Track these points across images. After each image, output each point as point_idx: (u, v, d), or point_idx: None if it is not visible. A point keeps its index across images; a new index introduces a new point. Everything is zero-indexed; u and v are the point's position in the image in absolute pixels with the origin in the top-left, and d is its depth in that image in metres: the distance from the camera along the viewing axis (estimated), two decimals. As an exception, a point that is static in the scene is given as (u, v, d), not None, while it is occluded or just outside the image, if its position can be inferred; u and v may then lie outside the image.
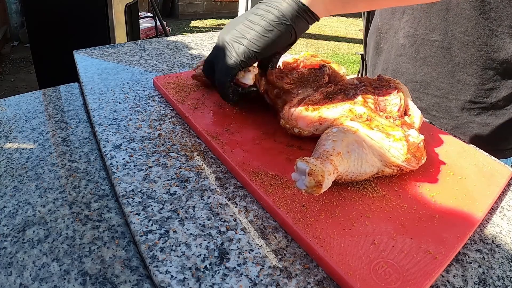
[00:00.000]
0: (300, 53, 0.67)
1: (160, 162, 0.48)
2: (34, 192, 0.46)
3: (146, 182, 0.44)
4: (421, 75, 0.71)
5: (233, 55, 0.47)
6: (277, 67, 0.63)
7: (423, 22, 0.67)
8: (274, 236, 0.38)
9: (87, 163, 0.51)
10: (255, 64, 0.53)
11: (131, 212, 0.40)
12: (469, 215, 0.41)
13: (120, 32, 1.86)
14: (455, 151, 0.53)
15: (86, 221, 0.42)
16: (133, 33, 2.11)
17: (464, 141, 0.56)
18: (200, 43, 0.98)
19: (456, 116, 0.69)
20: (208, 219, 0.40)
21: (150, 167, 0.47)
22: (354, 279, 0.32)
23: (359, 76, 0.58)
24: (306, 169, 0.36)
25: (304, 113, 0.50)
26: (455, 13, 0.63)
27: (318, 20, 0.45)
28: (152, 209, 0.40)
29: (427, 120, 0.65)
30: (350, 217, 0.39)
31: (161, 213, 0.40)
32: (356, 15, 6.55)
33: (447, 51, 0.66)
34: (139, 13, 2.53)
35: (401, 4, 0.59)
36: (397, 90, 0.53)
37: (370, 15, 1.94)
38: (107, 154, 0.49)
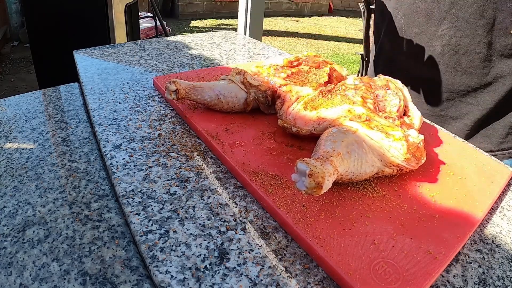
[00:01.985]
0: (302, 53, 0.67)
1: (160, 162, 0.48)
2: (34, 192, 0.46)
3: (146, 182, 0.44)
4: (459, 85, 0.71)
5: None
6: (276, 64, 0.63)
7: (468, 33, 0.66)
8: (274, 236, 0.38)
9: (87, 163, 0.51)
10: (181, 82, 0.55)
11: (131, 212, 0.40)
12: (469, 215, 0.41)
13: (120, 32, 1.86)
14: (455, 151, 0.53)
15: (86, 221, 0.42)
16: (133, 33, 2.11)
17: (490, 147, 0.57)
18: (200, 43, 0.98)
19: (489, 124, 0.71)
20: (208, 219, 0.40)
21: (150, 167, 0.47)
22: (354, 279, 0.32)
23: (359, 76, 0.57)
24: (306, 170, 0.36)
25: (303, 113, 0.50)
26: (500, 27, 0.64)
27: None
28: (152, 209, 0.40)
29: (427, 121, 0.65)
30: (350, 217, 0.39)
31: (161, 213, 0.40)
32: (356, 15, 6.56)
33: (488, 63, 0.67)
34: (139, 13, 2.52)
35: None
36: (396, 90, 0.53)
37: (370, 16, 1.94)
38: (107, 154, 0.49)
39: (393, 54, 0.81)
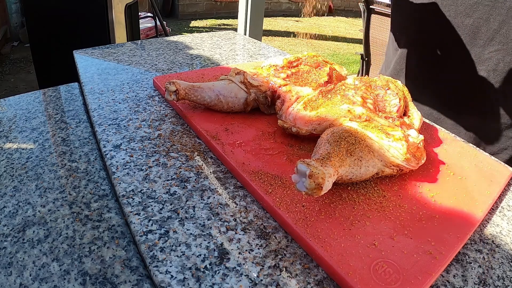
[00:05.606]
0: (302, 53, 0.67)
1: (160, 162, 0.48)
2: (34, 192, 0.46)
3: (146, 182, 0.44)
4: (505, 117, 0.66)
5: None
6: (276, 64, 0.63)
7: None
8: (274, 236, 0.38)
9: (87, 163, 0.51)
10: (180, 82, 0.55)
11: (131, 212, 0.40)
12: (469, 215, 0.41)
13: (120, 32, 1.86)
14: (455, 151, 0.53)
15: (86, 221, 0.42)
16: (133, 33, 2.11)
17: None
18: (200, 43, 0.98)
19: None
20: (208, 219, 0.40)
21: (150, 167, 0.47)
22: (354, 279, 0.32)
23: (359, 76, 0.57)
24: (306, 171, 0.35)
25: (303, 113, 0.50)
26: None
27: None
28: (152, 209, 0.40)
29: (427, 120, 0.65)
30: (350, 217, 0.39)
31: (161, 213, 0.40)
32: (356, 15, 6.56)
33: None
34: (139, 13, 2.52)
35: None
36: (397, 91, 0.53)
37: (370, 16, 1.94)
38: (107, 154, 0.49)
39: (423, 74, 0.72)
